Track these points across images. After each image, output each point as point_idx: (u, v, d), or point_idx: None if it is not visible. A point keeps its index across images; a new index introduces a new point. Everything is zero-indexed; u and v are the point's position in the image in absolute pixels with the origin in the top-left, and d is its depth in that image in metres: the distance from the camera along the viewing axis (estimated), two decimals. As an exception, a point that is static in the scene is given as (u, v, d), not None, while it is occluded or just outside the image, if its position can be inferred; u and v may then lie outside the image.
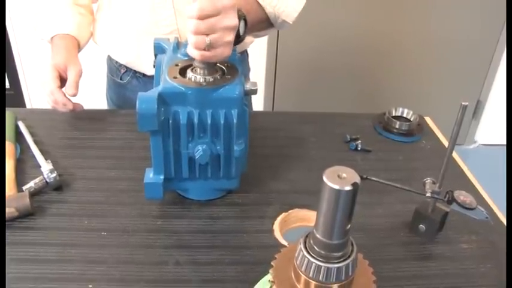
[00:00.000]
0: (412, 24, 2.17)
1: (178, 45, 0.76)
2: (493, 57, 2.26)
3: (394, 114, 0.99)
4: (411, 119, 0.98)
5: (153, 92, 0.63)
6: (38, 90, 2.32)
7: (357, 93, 2.33)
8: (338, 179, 0.44)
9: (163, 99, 0.64)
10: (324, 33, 2.18)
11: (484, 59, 2.28)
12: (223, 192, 0.76)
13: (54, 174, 0.76)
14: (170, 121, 0.65)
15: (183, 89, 0.64)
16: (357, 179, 0.44)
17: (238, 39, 0.69)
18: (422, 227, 0.70)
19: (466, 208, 0.63)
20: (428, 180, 0.69)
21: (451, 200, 0.64)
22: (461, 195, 0.64)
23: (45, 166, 0.77)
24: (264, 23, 0.91)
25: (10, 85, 2.34)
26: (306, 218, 0.77)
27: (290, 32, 2.14)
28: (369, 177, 0.70)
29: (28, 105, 2.38)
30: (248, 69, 1.19)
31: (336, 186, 0.42)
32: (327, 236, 0.45)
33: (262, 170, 0.83)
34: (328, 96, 2.32)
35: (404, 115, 1.00)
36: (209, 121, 0.65)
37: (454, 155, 0.91)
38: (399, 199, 0.78)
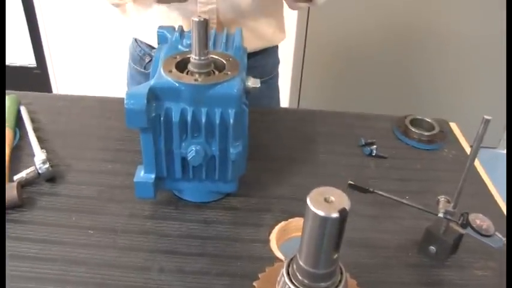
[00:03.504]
0: (441, 19, 2.05)
1: (181, 35, 0.71)
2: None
3: (415, 117, 0.92)
4: (434, 125, 0.90)
5: (144, 87, 0.59)
6: (63, 69, 2.34)
7: (383, 90, 2.24)
8: (325, 203, 0.38)
9: (155, 94, 0.59)
10: (353, 27, 2.09)
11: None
12: (221, 195, 0.71)
13: (46, 165, 0.73)
14: (162, 118, 0.60)
15: (177, 84, 0.59)
16: (347, 205, 0.38)
17: None
18: (432, 248, 0.63)
19: (482, 234, 0.56)
20: (443, 198, 0.62)
21: (466, 224, 0.57)
22: (478, 219, 0.57)
23: (39, 156, 0.74)
24: None
25: (37, 63, 2.35)
26: (307, 227, 0.71)
27: (319, 25, 2.08)
28: (375, 191, 0.63)
29: (53, 85, 2.40)
30: (278, 62, 1.13)
31: (321, 213, 0.37)
32: (310, 264, 0.40)
33: (265, 172, 0.78)
34: (355, 94, 2.24)
35: (427, 119, 0.92)
36: (204, 120, 0.60)
37: (478, 165, 0.83)
38: (411, 213, 0.71)
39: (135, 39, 1.04)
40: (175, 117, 0.60)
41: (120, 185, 0.74)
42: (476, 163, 0.84)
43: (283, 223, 0.69)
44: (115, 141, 0.84)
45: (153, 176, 0.64)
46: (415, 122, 0.91)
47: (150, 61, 1.02)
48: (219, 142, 0.62)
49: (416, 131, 0.89)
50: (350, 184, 0.64)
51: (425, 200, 0.75)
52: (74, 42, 2.22)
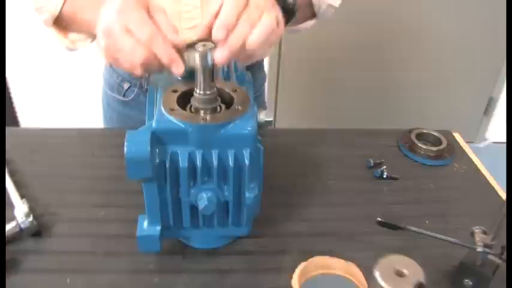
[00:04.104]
0: (422, 18, 2.04)
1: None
2: (506, 53, 2.14)
3: (421, 131, 0.88)
4: (440, 139, 0.86)
5: (145, 130, 0.51)
6: (29, 99, 2.16)
7: (361, 101, 2.20)
8: (397, 277, 0.32)
9: (157, 138, 0.52)
10: (329, 33, 2.04)
11: (497, 56, 2.15)
12: (232, 238, 0.64)
13: (30, 219, 0.64)
14: (167, 164, 0.53)
15: (182, 125, 0.52)
16: (422, 277, 0.32)
17: (291, 10, 0.60)
18: (468, 282, 0.59)
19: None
20: (478, 230, 0.58)
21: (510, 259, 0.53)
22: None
23: (20, 208, 0.65)
24: (307, 9, 0.78)
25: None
26: (327, 265, 0.66)
27: (293, 38, 1.99)
28: (407, 227, 0.58)
29: (20, 117, 2.22)
30: (265, 77, 1.06)
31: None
32: None
33: (274, 207, 0.71)
34: (332, 106, 2.18)
35: (432, 132, 0.88)
36: (215, 164, 0.53)
37: (495, 184, 0.80)
38: (435, 242, 0.67)
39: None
40: (183, 162, 0.52)
41: (116, 234, 0.66)
42: (492, 180, 0.81)
43: (302, 265, 0.63)
44: (103, 181, 0.75)
45: (158, 228, 0.57)
46: (420, 136, 0.87)
47: (129, 88, 0.93)
48: (233, 186, 0.55)
49: (424, 147, 0.84)
50: (379, 222, 0.59)
51: (446, 225, 0.71)
52: (38, 68, 2.05)
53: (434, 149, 0.84)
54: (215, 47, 0.52)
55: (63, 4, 0.70)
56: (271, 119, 0.56)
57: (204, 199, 0.54)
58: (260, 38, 0.53)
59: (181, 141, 0.52)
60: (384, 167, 0.80)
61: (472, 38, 2.09)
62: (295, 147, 0.86)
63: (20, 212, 0.64)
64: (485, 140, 2.40)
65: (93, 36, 0.72)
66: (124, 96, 0.93)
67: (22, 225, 0.63)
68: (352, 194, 0.75)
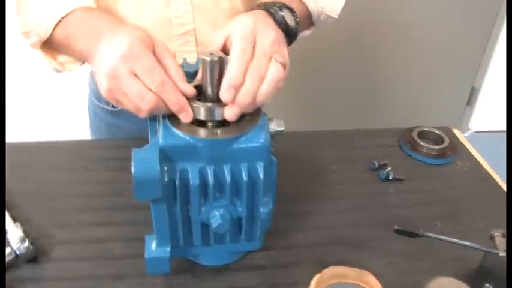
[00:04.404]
0: (403, 9, 2.03)
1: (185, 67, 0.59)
2: (488, 43, 2.16)
3: (423, 129, 0.86)
4: (442, 136, 0.85)
5: (152, 148, 0.48)
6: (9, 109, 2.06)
7: (348, 89, 2.18)
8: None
9: (165, 155, 0.48)
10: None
11: (478, 46, 2.18)
12: (242, 253, 0.62)
13: (25, 244, 0.60)
14: (177, 183, 0.49)
15: (192, 140, 0.49)
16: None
17: (290, 33, 0.59)
18: (489, 286, 0.57)
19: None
20: (497, 233, 0.56)
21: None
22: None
23: (14, 232, 0.61)
24: (305, 21, 0.76)
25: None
26: (341, 275, 0.63)
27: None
28: (426, 234, 0.56)
29: None
30: None
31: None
32: None
33: (281, 216, 0.68)
34: (319, 103, 2.16)
35: (434, 130, 0.87)
36: (228, 179, 0.50)
37: (499, 180, 0.79)
38: (448, 244, 0.65)
39: None
40: (194, 179, 0.49)
41: (119, 254, 0.62)
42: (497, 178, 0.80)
43: (317, 277, 0.61)
44: (100, 197, 0.71)
45: (168, 249, 0.54)
46: (421, 134, 0.86)
47: None
48: (246, 201, 0.52)
49: (426, 145, 0.83)
50: (397, 230, 0.57)
51: (457, 226, 0.70)
52: (16, 74, 1.95)
53: (437, 147, 0.83)
54: (223, 59, 0.49)
55: (54, 28, 0.64)
56: (282, 128, 0.53)
57: (217, 217, 0.51)
58: (269, 91, 0.50)
59: (191, 157, 0.49)
60: (389, 168, 0.78)
61: (453, 30, 2.10)
62: (295, 152, 0.84)
63: (14, 237, 0.60)
64: (468, 130, 2.43)
65: (85, 61, 0.67)
66: (112, 106, 0.89)
67: (17, 252, 0.59)
68: (358, 199, 0.73)
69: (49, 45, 0.67)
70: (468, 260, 0.62)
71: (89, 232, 0.65)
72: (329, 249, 0.65)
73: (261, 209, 0.52)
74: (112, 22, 0.57)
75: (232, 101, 0.49)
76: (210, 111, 0.49)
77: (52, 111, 2.01)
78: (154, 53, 0.49)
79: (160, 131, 0.50)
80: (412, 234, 0.56)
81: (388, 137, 0.88)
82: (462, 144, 0.88)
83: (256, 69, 0.50)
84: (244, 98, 0.49)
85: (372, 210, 0.71)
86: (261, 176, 0.50)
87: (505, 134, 2.41)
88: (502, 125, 2.38)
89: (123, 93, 0.48)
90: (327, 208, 0.71)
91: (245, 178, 0.50)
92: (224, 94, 0.49)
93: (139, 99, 0.48)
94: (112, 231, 0.65)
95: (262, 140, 0.50)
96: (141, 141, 0.79)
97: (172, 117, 0.50)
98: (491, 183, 0.79)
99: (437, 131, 0.86)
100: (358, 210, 0.71)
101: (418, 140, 0.84)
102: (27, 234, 0.61)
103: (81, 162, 0.78)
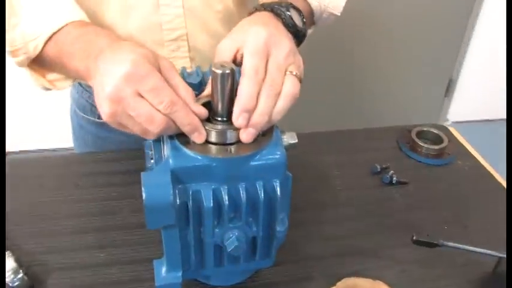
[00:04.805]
0: (380, 1, 2.03)
1: (185, 78, 0.55)
2: (464, 34, 2.19)
3: (421, 129, 0.85)
4: (441, 136, 0.84)
5: (162, 171, 0.44)
6: None
7: (328, 88, 2.16)
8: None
9: (176, 177, 0.45)
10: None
11: (455, 39, 2.20)
12: (254, 270, 0.59)
13: (19, 275, 0.55)
14: (190, 205, 0.46)
15: (205, 160, 0.45)
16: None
17: (299, 35, 0.57)
18: (506, 292, 0.57)
19: None
20: (515, 238, 0.55)
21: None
22: None
23: (6, 264, 0.56)
24: (308, 20, 0.73)
25: None
26: (355, 286, 0.62)
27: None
28: (445, 244, 0.55)
29: None
30: None
31: None
32: None
33: (290, 227, 0.66)
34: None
35: (432, 130, 0.86)
36: (244, 199, 0.47)
37: (500, 179, 0.79)
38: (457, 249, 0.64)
39: (79, 84, 0.84)
40: (207, 201, 0.46)
41: (121, 280, 0.58)
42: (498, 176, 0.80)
43: (332, 291, 0.59)
44: (96, 217, 0.67)
45: (179, 274, 0.50)
46: (419, 134, 0.85)
47: None
48: (262, 221, 0.49)
49: (425, 145, 0.82)
50: (415, 240, 0.55)
51: (465, 229, 0.69)
52: None
53: (436, 147, 0.82)
54: (234, 71, 0.45)
55: (45, 45, 0.57)
56: (295, 141, 0.51)
57: (232, 239, 0.48)
58: (285, 107, 0.47)
59: (204, 178, 0.46)
60: (392, 171, 0.76)
61: (430, 22, 2.11)
62: (295, 157, 0.81)
63: (6, 268, 0.55)
64: (446, 120, 2.46)
65: (82, 80, 0.62)
66: (99, 118, 0.84)
67: (11, 284, 0.55)
68: (366, 205, 0.71)
69: (38, 63, 0.62)
70: (480, 265, 0.62)
71: (87, 256, 0.61)
72: (340, 260, 0.63)
73: (278, 228, 0.49)
74: (111, 38, 0.52)
75: (247, 125, 0.46)
76: (222, 135, 0.46)
77: (32, 120, 1.90)
78: (159, 71, 0.45)
79: (168, 152, 0.46)
80: (431, 245, 0.55)
81: (386, 137, 0.87)
82: (461, 144, 0.87)
83: (271, 85, 0.46)
84: (259, 119, 0.46)
85: (380, 217, 0.69)
86: (278, 193, 0.47)
87: (483, 123, 2.46)
88: (480, 115, 2.43)
89: (129, 116, 0.44)
90: (334, 216, 0.69)
91: (261, 196, 0.47)
92: (238, 120, 0.45)
93: (148, 122, 0.44)
94: (112, 253, 0.61)
95: (277, 156, 0.47)
96: (130, 153, 0.77)
97: (181, 136, 0.47)
98: (493, 183, 0.78)
99: (435, 131, 0.85)
100: (366, 218, 0.69)
101: (417, 140, 0.83)
102: (19, 263, 0.57)
103: (71, 179, 0.73)
